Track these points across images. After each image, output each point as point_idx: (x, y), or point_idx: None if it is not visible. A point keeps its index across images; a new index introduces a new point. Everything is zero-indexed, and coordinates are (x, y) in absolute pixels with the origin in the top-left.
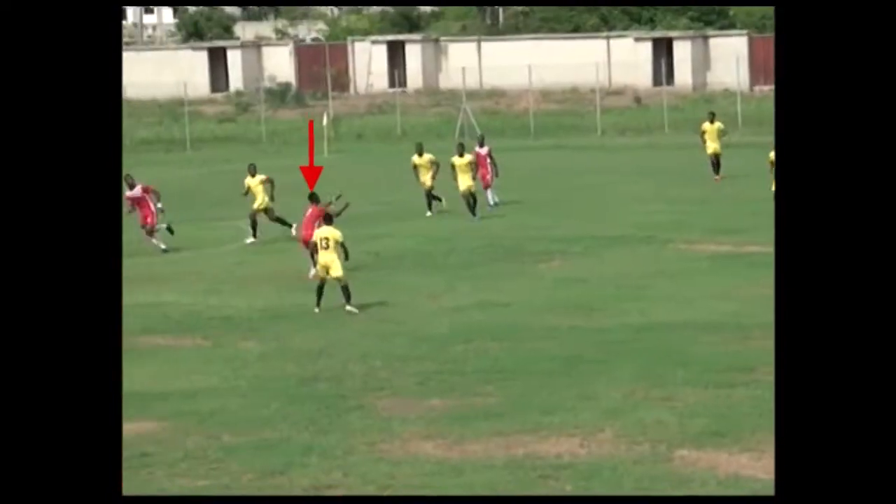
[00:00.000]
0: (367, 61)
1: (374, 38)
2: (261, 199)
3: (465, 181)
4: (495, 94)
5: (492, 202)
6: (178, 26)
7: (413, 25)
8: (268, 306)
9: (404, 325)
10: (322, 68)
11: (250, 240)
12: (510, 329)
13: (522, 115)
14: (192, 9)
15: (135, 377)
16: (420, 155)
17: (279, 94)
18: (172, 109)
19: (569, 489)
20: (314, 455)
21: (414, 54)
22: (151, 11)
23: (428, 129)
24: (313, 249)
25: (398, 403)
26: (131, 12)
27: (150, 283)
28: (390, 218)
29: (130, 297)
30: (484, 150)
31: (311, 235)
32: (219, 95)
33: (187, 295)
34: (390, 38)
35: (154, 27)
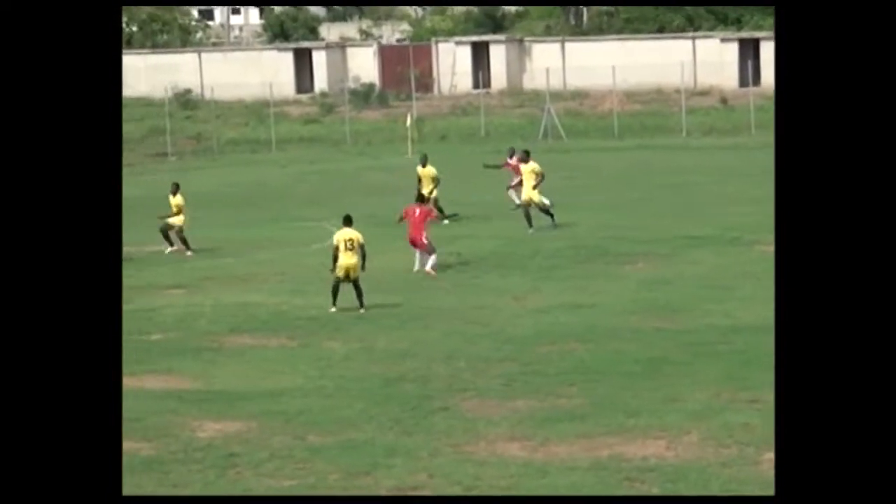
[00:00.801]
0: (451, 62)
1: (458, 38)
2: (184, 219)
3: (527, 191)
4: (579, 94)
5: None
6: (264, 27)
7: (497, 26)
8: (353, 306)
9: (489, 326)
10: (406, 69)
11: (189, 252)
12: (594, 330)
13: (607, 115)
14: (277, 10)
15: (222, 377)
16: (423, 166)
17: (363, 95)
18: (258, 110)
19: (655, 492)
20: (399, 456)
21: (498, 55)
22: (238, 12)
23: (511, 130)
24: (335, 252)
25: (483, 405)
26: (218, 13)
27: (236, 284)
28: (473, 219)
29: (217, 297)
30: (513, 160)
31: (419, 235)
32: (304, 96)
33: (273, 295)
34: (474, 38)
35: (241, 28)
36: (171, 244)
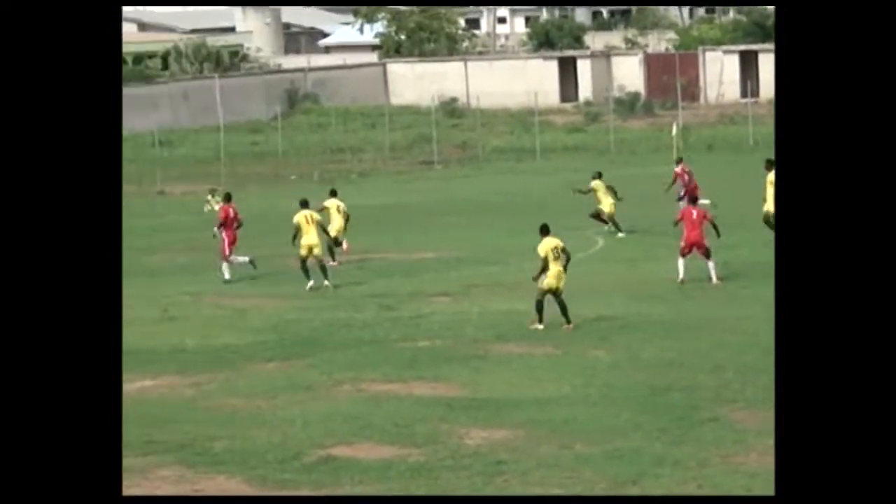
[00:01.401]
0: (719, 71)
1: (725, 47)
2: (338, 225)
3: (768, 203)
4: None
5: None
6: (530, 36)
7: (766, 35)
8: (617, 315)
9: (757, 336)
10: (672, 78)
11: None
12: None
13: None
14: (543, 18)
15: (489, 385)
16: (595, 180)
17: (628, 104)
18: (523, 119)
19: None
20: (667, 466)
21: (767, 64)
22: (503, 21)
23: None
24: (545, 263)
25: (752, 415)
26: (485, 21)
27: (502, 292)
28: (741, 228)
29: (483, 305)
30: (679, 168)
31: (699, 237)
32: (568, 105)
33: None
34: (742, 47)
35: (506, 37)
36: (334, 259)
